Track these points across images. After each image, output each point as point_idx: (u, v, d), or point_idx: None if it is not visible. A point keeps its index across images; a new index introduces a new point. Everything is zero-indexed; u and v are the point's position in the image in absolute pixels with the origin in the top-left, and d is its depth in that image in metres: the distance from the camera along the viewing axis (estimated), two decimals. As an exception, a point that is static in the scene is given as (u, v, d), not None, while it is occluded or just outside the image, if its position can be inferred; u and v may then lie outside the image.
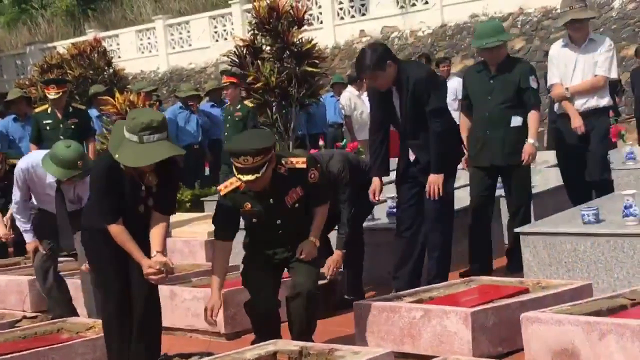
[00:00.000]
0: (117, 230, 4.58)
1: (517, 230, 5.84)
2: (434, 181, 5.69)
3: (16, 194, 6.12)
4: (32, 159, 6.10)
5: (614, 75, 6.84)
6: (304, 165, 4.82)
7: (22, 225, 6.21)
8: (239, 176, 4.63)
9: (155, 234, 4.63)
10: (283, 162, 4.79)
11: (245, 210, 4.83)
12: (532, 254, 5.57)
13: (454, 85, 11.73)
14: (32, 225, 6.20)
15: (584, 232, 5.38)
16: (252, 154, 4.55)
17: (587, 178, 6.85)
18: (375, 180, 5.89)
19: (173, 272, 5.13)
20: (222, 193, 4.88)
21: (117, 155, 4.45)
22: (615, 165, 8.32)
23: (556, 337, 4.15)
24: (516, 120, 6.31)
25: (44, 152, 6.08)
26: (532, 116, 6.31)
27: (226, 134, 10.55)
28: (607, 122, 7.00)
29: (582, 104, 6.78)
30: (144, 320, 4.70)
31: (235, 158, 4.59)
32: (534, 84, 6.32)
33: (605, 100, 6.84)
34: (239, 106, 10.45)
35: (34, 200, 6.18)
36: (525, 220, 6.30)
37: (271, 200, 4.79)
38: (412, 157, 5.88)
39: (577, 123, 6.70)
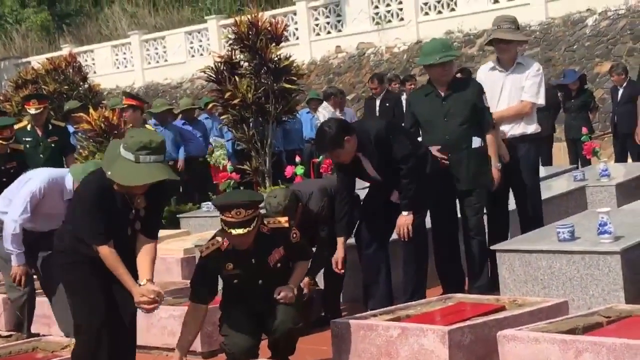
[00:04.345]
0: (107, 253, 4.45)
1: (493, 247, 5.85)
2: (404, 223, 5.69)
3: (25, 215, 5.77)
4: (53, 174, 5.87)
5: (541, 101, 6.45)
6: (287, 225, 4.86)
7: (16, 248, 5.86)
8: (230, 230, 4.59)
9: (144, 260, 4.53)
10: (265, 222, 4.81)
11: (227, 272, 4.79)
12: (509, 271, 5.60)
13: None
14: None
15: (559, 249, 5.41)
16: (244, 206, 4.56)
17: (518, 209, 6.54)
18: (340, 245, 5.76)
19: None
20: (203, 254, 4.82)
21: (109, 172, 4.36)
22: (590, 182, 8.39)
23: (533, 355, 4.15)
24: (476, 141, 6.07)
25: (60, 169, 5.95)
26: (492, 139, 6.14)
27: None
28: (535, 151, 6.60)
29: (507, 130, 6.41)
30: (128, 346, 4.65)
31: (227, 212, 4.57)
32: (487, 104, 6.17)
33: (532, 127, 6.47)
34: None
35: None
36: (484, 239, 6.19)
37: (253, 260, 4.77)
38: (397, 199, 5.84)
39: (501, 151, 6.31)
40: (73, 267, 4.65)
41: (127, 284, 4.46)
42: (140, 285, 4.48)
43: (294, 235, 4.88)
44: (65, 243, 4.68)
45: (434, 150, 6.03)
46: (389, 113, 12.14)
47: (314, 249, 5.70)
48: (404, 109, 12.05)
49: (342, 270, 5.79)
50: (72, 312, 4.77)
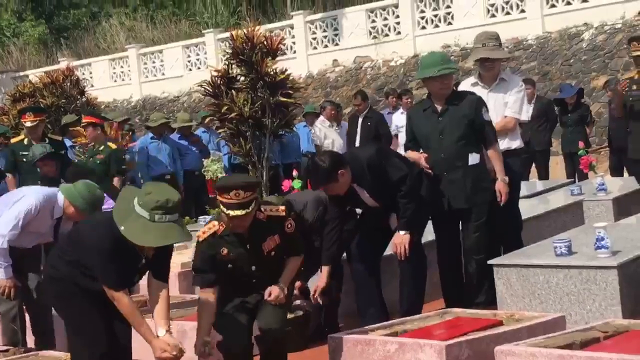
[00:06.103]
0: (126, 302, 4.44)
1: (490, 262, 5.84)
2: (401, 242, 5.68)
3: (14, 231, 5.72)
4: (47, 193, 5.85)
5: (524, 117, 6.50)
6: (283, 213, 4.89)
7: (3, 262, 5.80)
8: (229, 212, 4.63)
9: (161, 308, 4.52)
10: (262, 209, 4.84)
11: (222, 256, 4.81)
12: (506, 285, 5.59)
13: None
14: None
15: (556, 264, 5.41)
16: (243, 187, 4.63)
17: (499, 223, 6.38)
18: (324, 275, 5.69)
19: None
20: (200, 239, 4.87)
21: (122, 228, 4.32)
22: (587, 196, 8.39)
23: (530, 371, 4.15)
24: (474, 158, 5.96)
25: (52, 188, 5.94)
26: (496, 153, 6.03)
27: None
28: (520, 166, 6.56)
29: None
30: None
31: (226, 194, 4.62)
32: (488, 117, 6.07)
33: (517, 143, 6.45)
34: (102, 147, 9.77)
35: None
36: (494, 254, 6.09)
37: (248, 246, 4.81)
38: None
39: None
40: (72, 296, 4.61)
41: (146, 337, 4.44)
42: (158, 336, 4.45)
43: (289, 226, 4.91)
44: (61, 272, 4.64)
45: (422, 158, 6.04)
46: (372, 131, 12.16)
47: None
48: (389, 127, 12.21)
49: (319, 300, 5.72)
50: (71, 342, 4.76)
